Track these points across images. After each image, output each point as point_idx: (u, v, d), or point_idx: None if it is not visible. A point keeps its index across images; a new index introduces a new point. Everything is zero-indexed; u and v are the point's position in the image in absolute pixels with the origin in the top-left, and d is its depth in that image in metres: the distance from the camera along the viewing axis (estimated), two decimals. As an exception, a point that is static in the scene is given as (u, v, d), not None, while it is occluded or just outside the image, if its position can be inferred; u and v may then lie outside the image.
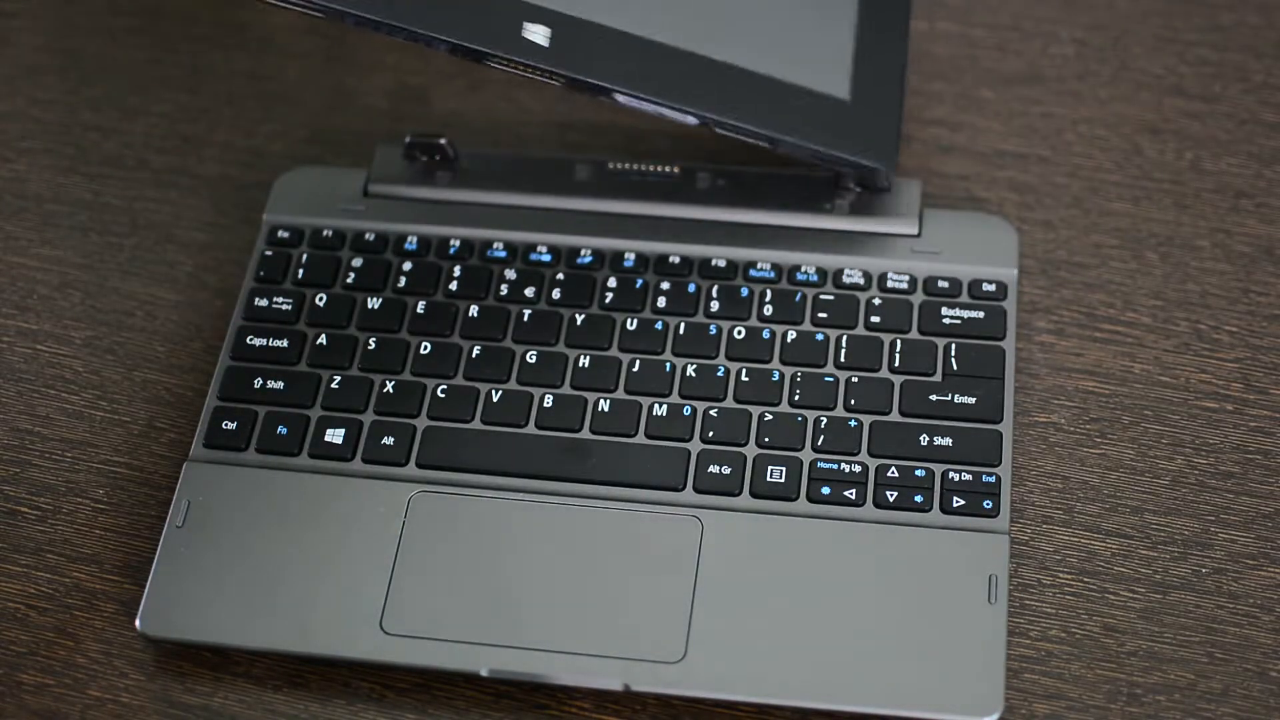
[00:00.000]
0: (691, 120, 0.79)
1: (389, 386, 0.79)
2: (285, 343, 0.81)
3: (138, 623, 0.74)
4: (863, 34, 0.84)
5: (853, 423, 0.77)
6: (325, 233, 0.84)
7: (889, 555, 0.74)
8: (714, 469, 0.77)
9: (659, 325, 0.81)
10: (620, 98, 0.77)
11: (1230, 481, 0.78)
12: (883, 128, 0.82)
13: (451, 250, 0.84)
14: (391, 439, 0.78)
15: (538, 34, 0.75)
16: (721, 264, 0.83)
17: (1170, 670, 0.73)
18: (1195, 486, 0.78)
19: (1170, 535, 0.77)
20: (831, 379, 0.79)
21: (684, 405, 0.78)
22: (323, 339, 0.81)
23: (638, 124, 0.90)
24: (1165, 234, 0.86)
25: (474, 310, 0.82)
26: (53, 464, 0.80)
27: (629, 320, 0.81)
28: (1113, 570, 0.76)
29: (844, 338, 0.80)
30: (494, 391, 0.79)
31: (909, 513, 0.75)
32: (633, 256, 0.83)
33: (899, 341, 0.80)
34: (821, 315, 0.81)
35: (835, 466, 0.76)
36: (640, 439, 0.78)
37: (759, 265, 0.82)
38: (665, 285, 0.82)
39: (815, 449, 0.77)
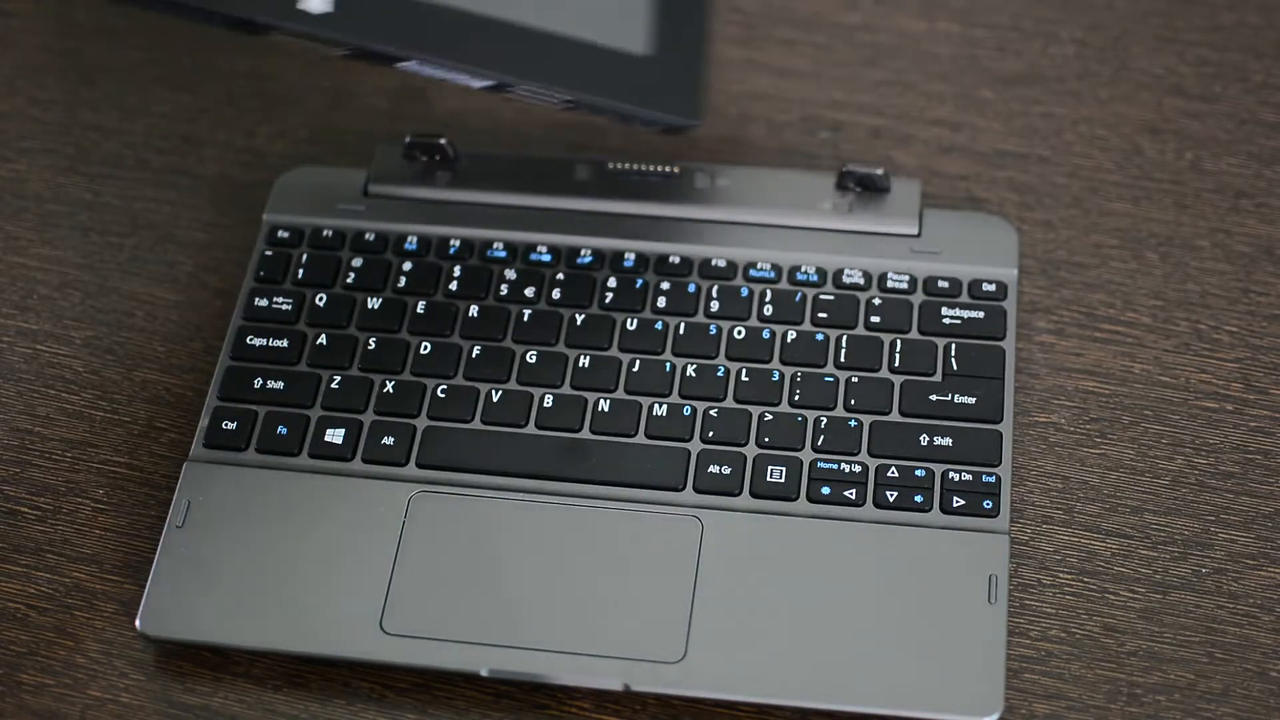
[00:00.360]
0: (485, 84, 0.76)
1: (389, 386, 0.79)
2: (285, 343, 0.81)
3: (138, 623, 0.74)
4: None
5: (853, 423, 0.77)
6: (325, 233, 0.84)
7: (889, 555, 0.74)
8: (714, 469, 0.76)
9: (659, 325, 0.81)
10: (410, 65, 0.75)
11: (1230, 481, 0.78)
12: (686, 81, 0.80)
13: (451, 250, 0.84)
14: (391, 439, 0.78)
15: (319, 2, 0.72)
16: (721, 264, 0.83)
17: (1170, 670, 0.73)
18: (1195, 486, 0.78)
19: (1170, 535, 0.77)
20: (831, 379, 0.79)
21: (684, 405, 0.78)
22: (323, 339, 0.81)
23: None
24: (1165, 234, 0.86)
25: (474, 310, 0.82)
26: (53, 464, 0.80)
27: (629, 320, 0.81)
28: (1113, 570, 0.76)
29: (844, 338, 0.80)
30: (494, 391, 0.79)
31: (909, 513, 0.75)
32: (633, 256, 0.83)
33: (899, 341, 0.80)
34: (821, 315, 0.81)
35: (835, 466, 0.76)
36: (640, 439, 0.78)
37: (759, 265, 0.82)
38: (665, 285, 0.82)
39: (815, 449, 0.77)
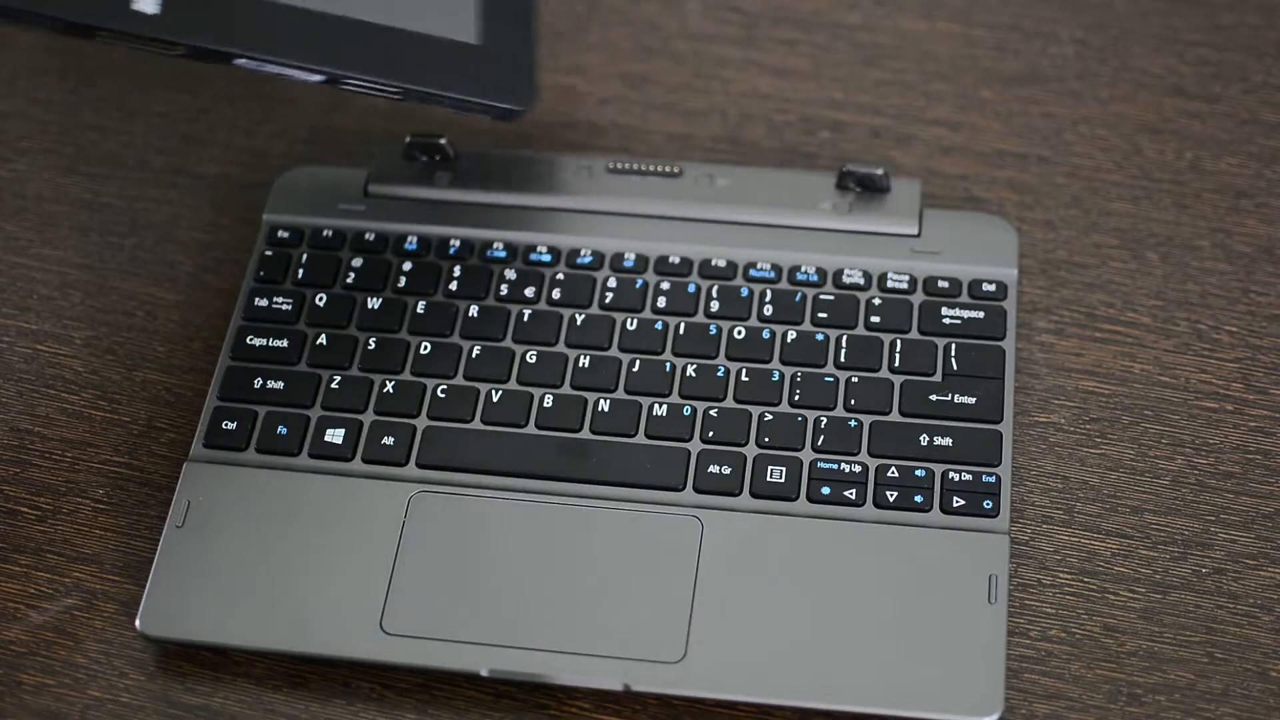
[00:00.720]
0: (317, 79, 0.77)
1: (389, 386, 0.79)
2: (285, 343, 0.81)
3: (138, 623, 0.74)
4: None
5: (853, 423, 0.77)
6: (325, 233, 0.84)
7: (889, 555, 0.74)
8: (714, 469, 0.76)
9: (659, 325, 0.81)
10: (242, 62, 0.75)
11: (1230, 481, 0.78)
12: (516, 69, 0.81)
13: (451, 250, 0.84)
14: (391, 439, 0.78)
15: (147, 3, 0.72)
16: (721, 264, 0.83)
17: (1170, 670, 0.73)
18: (1195, 486, 0.78)
19: (1170, 535, 0.77)
20: (831, 379, 0.79)
21: (684, 405, 0.78)
22: (323, 339, 0.81)
23: (637, 124, 0.90)
24: (1165, 234, 0.86)
25: (474, 310, 0.82)
26: (53, 464, 0.80)
27: (629, 320, 0.81)
28: (1113, 570, 0.76)
29: (844, 338, 0.80)
30: (494, 391, 0.79)
31: (909, 513, 0.75)
32: (633, 256, 0.83)
33: (899, 341, 0.80)
34: (821, 315, 0.81)
35: (835, 466, 0.76)
36: (640, 439, 0.78)
37: (759, 265, 0.82)
38: (665, 285, 0.82)
39: (815, 449, 0.77)
